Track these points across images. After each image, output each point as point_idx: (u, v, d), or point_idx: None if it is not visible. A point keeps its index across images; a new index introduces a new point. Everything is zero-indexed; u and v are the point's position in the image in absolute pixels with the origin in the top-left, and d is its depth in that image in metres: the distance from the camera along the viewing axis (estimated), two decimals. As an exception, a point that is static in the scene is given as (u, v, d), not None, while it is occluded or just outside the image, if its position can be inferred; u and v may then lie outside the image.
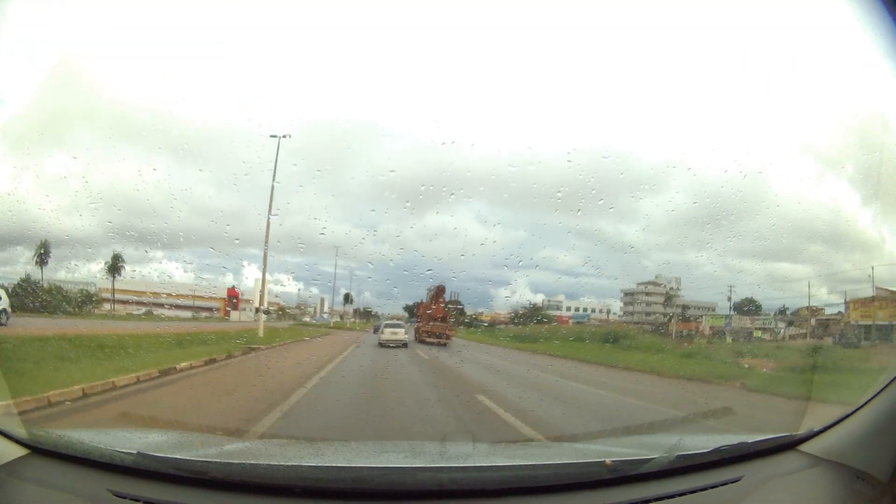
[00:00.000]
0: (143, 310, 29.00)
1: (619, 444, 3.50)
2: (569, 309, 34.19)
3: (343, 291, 35.68)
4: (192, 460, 2.11)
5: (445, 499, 2.00)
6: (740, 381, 11.13)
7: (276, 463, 2.36)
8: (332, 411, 6.94)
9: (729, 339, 25.69)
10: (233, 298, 33.35)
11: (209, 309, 32.78)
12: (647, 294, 35.59)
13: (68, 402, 6.12)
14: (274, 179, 11.84)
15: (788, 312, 27.92)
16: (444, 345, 22.27)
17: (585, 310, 34.97)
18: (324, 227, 10.09)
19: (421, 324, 24.88)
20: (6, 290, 17.66)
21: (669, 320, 31.38)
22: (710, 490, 2.14)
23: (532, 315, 29.20)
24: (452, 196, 9.23)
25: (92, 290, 28.01)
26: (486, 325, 30.46)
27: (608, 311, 35.09)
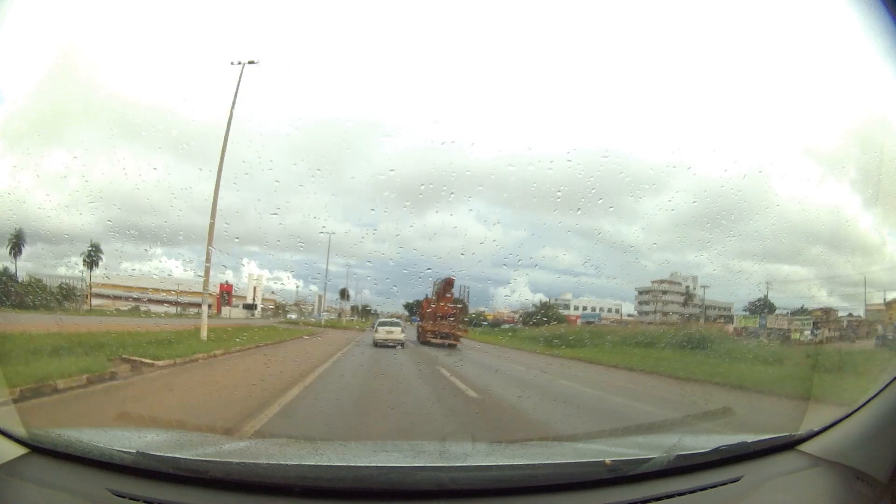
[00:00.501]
0: (129, 306, 28.71)
1: (618, 443, 3.50)
2: (576, 308, 32.84)
3: (347, 293, 34.08)
4: (191, 459, 2.11)
5: (445, 498, 2.00)
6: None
7: (276, 462, 2.37)
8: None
9: (765, 342, 22.97)
10: (226, 294, 32.61)
11: (200, 304, 32.37)
12: (665, 293, 34.13)
13: None
14: (233, 108, 11.53)
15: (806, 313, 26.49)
16: (453, 346, 20.22)
17: (594, 309, 33.67)
18: (323, 226, 10.06)
19: (426, 323, 22.62)
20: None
21: (697, 320, 29.26)
22: (710, 490, 2.14)
23: (544, 314, 27.20)
24: (452, 195, 9.20)
25: (79, 285, 27.44)
26: (486, 324, 29.28)
27: (617, 310, 33.80)
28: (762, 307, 26.79)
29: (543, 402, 8.33)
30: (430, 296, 23.02)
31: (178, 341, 11.98)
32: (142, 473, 1.97)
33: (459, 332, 21.89)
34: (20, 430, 2.17)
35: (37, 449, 2.11)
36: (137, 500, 1.88)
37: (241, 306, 34.96)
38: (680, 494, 2.07)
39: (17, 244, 22.39)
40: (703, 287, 28.32)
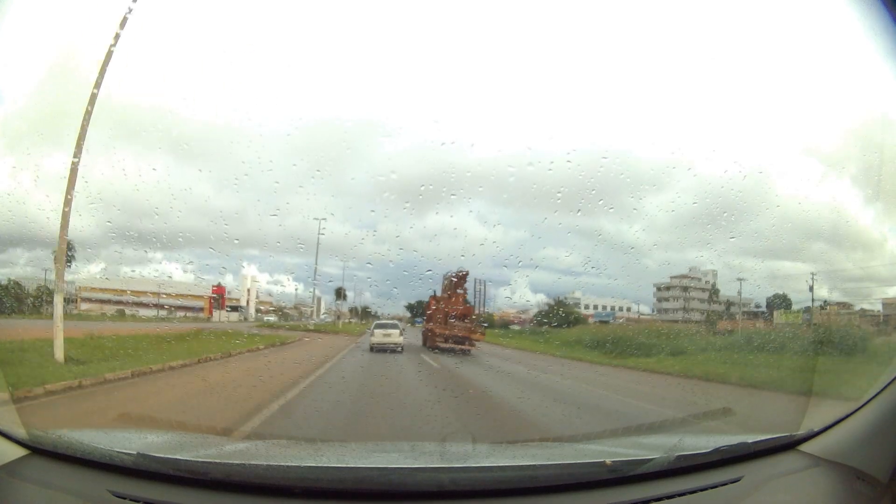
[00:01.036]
0: (115, 309, 28.10)
1: (619, 444, 3.50)
2: (585, 307, 31.20)
3: (344, 292, 31.29)
4: (192, 461, 2.11)
5: (445, 499, 2.00)
6: None
7: (277, 463, 2.37)
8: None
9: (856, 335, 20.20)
10: (218, 297, 31.60)
11: (191, 308, 31.19)
12: (687, 289, 32.36)
13: None
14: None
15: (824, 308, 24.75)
16: (467, 352, 17.59)
17: (605, 308, 31.98)
18: (324, 228, 10.05)
19: (434, 325, 19.34)
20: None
21: (732, 317, 27.11)
22: (710, 490, 2.14)
23: (561, 314, 25.10)
24: (452, 196, 9.19)
25: (71, 288, 27.21)
26: (486, 325, 27.76)
27: (629, 309, 31.96)
28: (780, 303, 25.77)
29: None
30: (438, 292, 20.08)
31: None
32: (142, 475, 1.97)
33: (476, 336, 18.73)
34: (20, 432, 2.17)
35: (37, 450, 2.12)
36: (138, 502, 1.88)
37: (230, 309, 34.06)
38: (680, 495, 2.07)
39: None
40: (740, 279, 24.56)
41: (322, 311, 36.20)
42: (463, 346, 18.04)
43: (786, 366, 11.25)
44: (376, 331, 18.10)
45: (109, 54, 10.67)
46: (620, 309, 32.50)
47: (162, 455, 2.06)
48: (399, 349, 17.46)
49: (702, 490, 2.13)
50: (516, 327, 29.45)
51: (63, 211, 9.92)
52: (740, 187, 10.26)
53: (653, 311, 33.37)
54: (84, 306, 28.08)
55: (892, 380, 2.15)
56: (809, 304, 24.59)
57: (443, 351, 17.69)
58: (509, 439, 5.13)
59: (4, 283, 22.31)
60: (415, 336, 22.83)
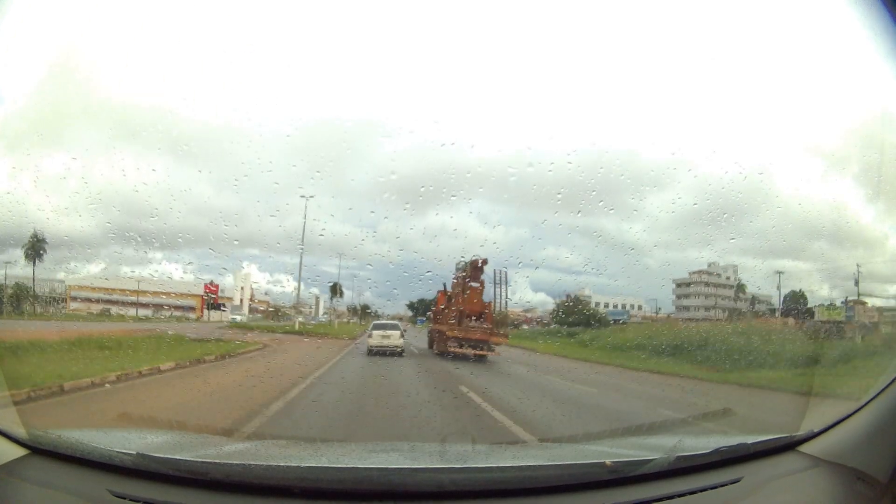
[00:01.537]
0: (100, 309, 27.94)
1: (619, 444, 3.50)
2: (597, 305, 29.36)
3: (340, 289, 29.14)
4: (192, 461, 2.11)
5: (445, 500, 2.00)
6: None
7: (276, 464, 2.37)
8: None
9: (859, 338, 18.63)
10: (211, 295, 30.82)
11: (182, 307, 30.61)
12: (707, 285, 30.68)
13: None
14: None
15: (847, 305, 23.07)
16: (483, 358, 15.03)
17: (615, 306, 30.49)
18: (323, 229, 10.05)
19: (444, 325, 16.56)
20: None
21: (769, 314, 24.83)
22: (710, 491, 2.14)
23: (582, 313, 22.83)
24: (453, 197, 9.18)
25: (59, 287, 26.83)
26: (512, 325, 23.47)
27: (640, 307, 30.34)
28: (798, 300, 24.44)
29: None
30: (449, 286, 17.48)
31: None
32: (142, 475, 1.97)
33: (497, 339, 15.76)
34: (20, 431, 2.17)
35: (37, 450, 2.12)
36: (137, 502, 1.88)
37: (212, 308, 32.84)
38: (680, 495, 2.07)
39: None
40: (779, 273, 22.66)
41: (321, 310, 35.20)
42: (480, 352, 15.21)
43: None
44: (374, 332, 16.43)
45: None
46: (630, 307, 31.15)
47: (162, 455, 2.06)
48: (399, 351, 15.94)
49: (702, 491, 2.13)
50: (525, 327, 27.87)
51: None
52: (740, 187, 10.29)
53: (673, 309, 31.66)
54: (73, 305, 27.93)
55: (892, 380, 2.15)
56: (846, 298, 23.02)
57: (455, 357, 14.93)
58: (509, 440, 5.13)
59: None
60: (417, 337, 21.46)
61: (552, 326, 25.66)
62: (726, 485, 2.17)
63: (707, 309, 30.83)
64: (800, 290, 24.43)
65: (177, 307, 30.43)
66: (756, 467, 2.31)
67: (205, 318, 30.09)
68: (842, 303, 23.43)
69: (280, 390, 8.06)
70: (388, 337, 16.02)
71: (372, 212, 10.25)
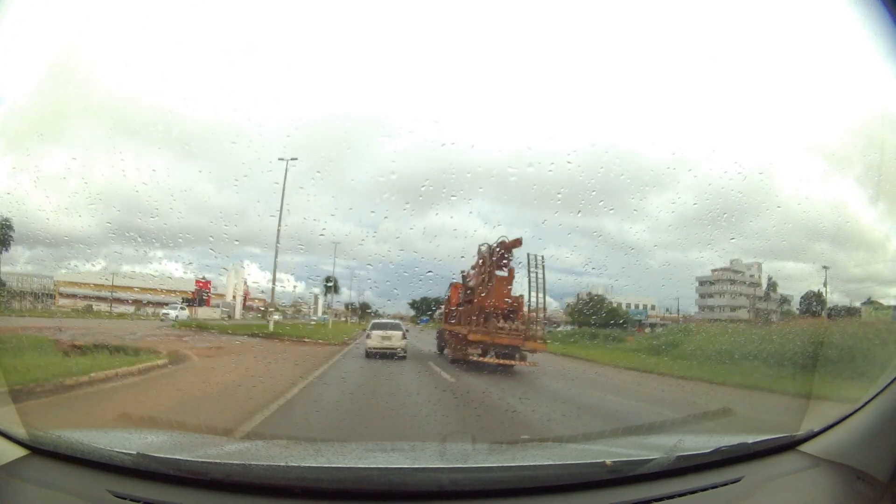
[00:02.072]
0: (83, 305, 27.18)
1: (619, 444, 3.50)
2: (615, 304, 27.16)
3: (335, 283, 27.44)
4: (192, 461, 2.11)
5: (445, 499, 2.00)
6: None
7: (277, 464, 2.37)
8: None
9: None
10: (203, 292, 29.40)
11: (169, 304, 28.75)
12: (732, 283, 28.49)
13: None
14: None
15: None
16: (511, 366, 11.97)
17: (629, 306, 28.40)
18: (323, 228, 10.03)
19: (460, 326, 13.75)
20: None
21: (813, 313, 22.19)
22: (711, 490, 2.14)
23: (608, 315, 20.70)
24: (453, 197, 9.14)
25: (48, 283, 26.22)
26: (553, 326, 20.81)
27: (653, 307, 28.56)
28: (816, 300, 23.05)
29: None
30: (468, 274, 14.45)
31: None
32: (142, 475, 1.97)
33: (533, 345, 12.34)
34: (20, 432, 2.17)
35: (37, 450, 2.12)
36: (138, 502, 1.88)
37: (220, 306, 31.17)
38: (681, 495, 2.07)
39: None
40: (825, 268, 19.98)
41: (320, 309, 34.32)
42: (510, 362, 12.02)
43: None
44: (373, 332, 14.92)
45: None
46: (643, 307, 29.38)
47: (162, 455, 2.06)
48: (401, 353, 14.53)
49: (702, 490, 2.13)
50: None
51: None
52: (741, 187, 10.27)
53: (696, 309, 29.91)
54: (62, 301, 27.42)
55: (892, 380, 2.15)
56: (868, 298, 21.21)
57: (472, 367, 12.02)
58: (509, 440, 5.12)
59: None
60: (418, 337, 19.55)
61: (568, 328, 23.78)
62: (727, 484, 2.17)
63: (733, 309, 28.85)
64: (818, 291, 23.03)
65: (163, 304, 28.68)
66: (756, 467, 2.31)
67: (194, 315, 28.63)
68: (863, 303, 21.87)
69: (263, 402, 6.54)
70: (388, 338, 14.58)
71: (372, 211, 10.24)
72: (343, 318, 34.47)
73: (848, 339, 10.89)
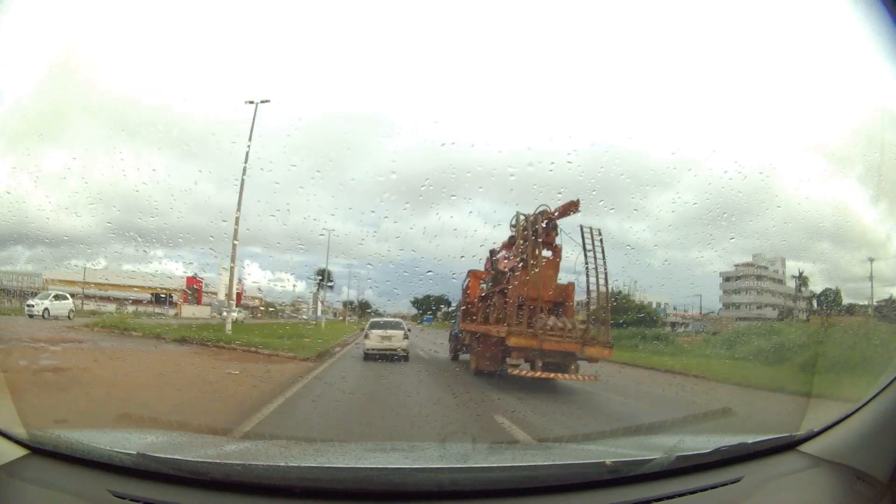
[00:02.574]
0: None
1: (619, 444, 3.50)
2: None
3: (328, 276, 25.13)
4: (192, 461, 2.11)
5: (445, 499, 2.00)
6: None
7: (277, 463, 2.37)
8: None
9: None
10: (193, 289, 28.40)
11: (161, 301, 28.26)
12: (758, 278, 26.98)
13: None
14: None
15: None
16: (564, 375, 9.25)
17: (652, 304, 26.10)
18: (323, 228, 9.99)
19: (487, 325, 10.89)
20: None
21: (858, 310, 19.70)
22: (710, 490, 2.14)
23: (633, 312, 18.98)
24: (453, 196, 9.11)
25: (39, 281, 25.63)
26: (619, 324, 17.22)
27: (666, 304, 26.32)
28: (833, 298, 21.71)
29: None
30: (497, 257, 11.62)
31: None
32: (142, 475, 1.97)
33: (595, 350, 9.24)
34: (20, 431, 2.17)
35: (37, 450, 2.12)
36: (138, 502, 1.88)
37: (213, 304, 28.71)
38: (680, 495, 2.07)
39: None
40: (871, 259, 17.92)
41: (319, 308, 33.34)
42: (565, 376, 9.18)
43: None
44: (372, 332, 13.75)
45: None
46: (662, 305, 27.26)
47: (162, 455, 2.06)
48: (402, 355, 13.37)
49: (702, 490, 2.13)
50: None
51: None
52: (741, 187, 10.26)
53: (720, 306, 28.15)
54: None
55: (893, 380, 2.15)
56: (890, 296, 19.57)
57: (504, 382, 9.36)
58: (509, 440, 5.12)
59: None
60: (424, 338, 17.85)
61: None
62: (726, 484, 2.17)
63: (759, 307, 27.27)
64: (836, 289, 21.95)
65: (146, 302, 27.50)
66: (756, 467, 2.31)
67: (184, 313, 27.94)
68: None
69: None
70: (388, 338, 13.39)
71: (372, 211, 10.21)
72: (340, 318, 33.04)
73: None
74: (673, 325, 26.67)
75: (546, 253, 10.45)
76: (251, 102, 11.46)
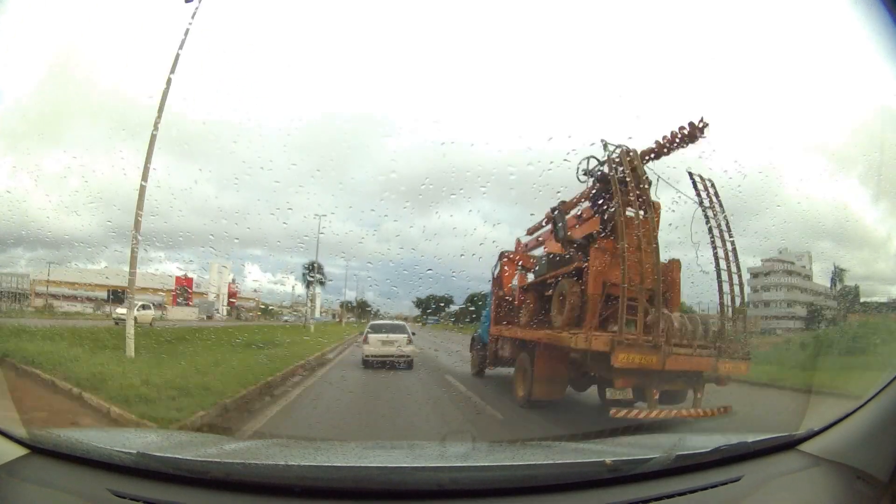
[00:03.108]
0: (42, 304, 25.38)
1: (619, 443, 3.50)
2: None
3: (318, 269, 23.21)
4: (192, 460, 2.12)
5: (445, 499, 2.00)
6: None
7: (277, 462, 2.37)
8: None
9: None
10: (184, 289, 27.30)
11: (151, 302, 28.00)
12: (789, 274, 25.26)
13: None
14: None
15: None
16: (691, 411, 6.00)
17: None
18: (324, 228, 10.00)
19: (536, 326, 8.20)
20: None
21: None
22: (710, 490, 2.14)
23: None
24: (452, 196, 9.09)
25: (25, 282, 25.18)
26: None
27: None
28: (853, 295, 21.23)
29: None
30: (560, 213, 8.07)
31: None
32: (142, 474, 1.97)
33: (731, 367, 6.22)
34: (21, 431, 2.17)
35: (37, 449, 2.12)
36: (138, 501, 1.88)
37: (198, 305, 28.01)
38: (680, 494, 2.07)
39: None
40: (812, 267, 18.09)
41: (318, 309, 31.83)
42: (692, 413, 6.11)
43: None
44: (371, 335, 12.43)
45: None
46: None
47: (162, 454, 2.06)
48: (408, 361, 11.94)
49: (702, 490, 2.13)
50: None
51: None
52: (741, 186, 10.23)
53: (750, 304, 25.71)
54: (38, 301, 26.53)
55: (893, 379, 2.15)
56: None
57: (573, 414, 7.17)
58: (509, 439, 5.13)
59: None
60: (430, 340, 16.50)
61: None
62: (726, 483, 2.17)
63: (789, 304, 25.84)
64: (855, 286, 21.47)
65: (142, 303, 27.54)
66: (756, 466, 2.31)
67: (171, 315, 26.37)
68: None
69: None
70: (390, 342, 12.03)
71: (372, 210, 10.19)
72: (337, 319, 31.82)
73: None
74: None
75: (634, 214, 6.80)
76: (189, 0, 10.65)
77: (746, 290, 7.84)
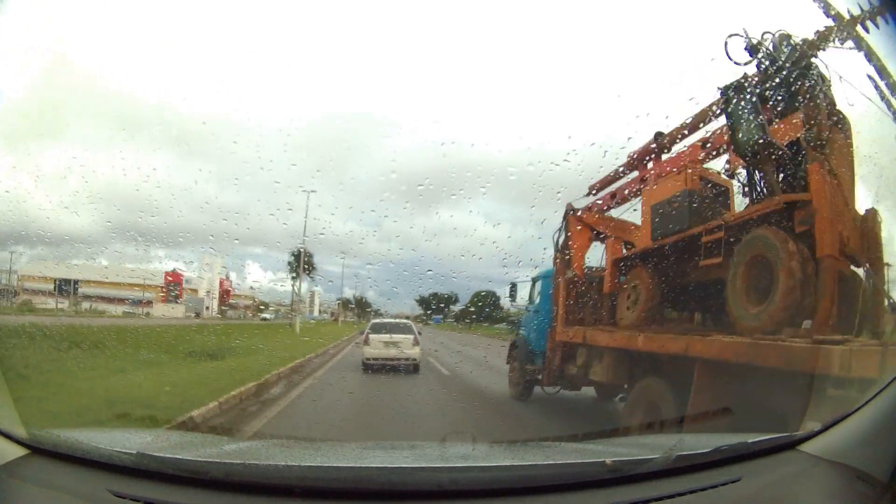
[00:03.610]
0: (22, 300, 25.08)
1: (619, 443, 3.50)
2: None
3: (305, 257, 20.87)
4: (192, 460, 2.12)
5: (445, 499, 2.00)
6: None
7: (277, 463, 2.37)
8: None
9: None
10: (174, 285, 26.47)
11: (138, 300, 26.09)
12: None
13: None
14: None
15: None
16: None
17: None
18: (324, 228, 9.98)
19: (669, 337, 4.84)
20: None
21: None
22: (710, 490, 2.14)
23: None
24: (453, 196, 9.11)
25: (13, 278, 24.92)
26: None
27: None
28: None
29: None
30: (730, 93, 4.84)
31: None
32: (142, 474, 1.98)
33: None
34: (20, 431, 2.17)
35: (37, 450, 2.12)
36: (138, 501, 1.88)
37: (189, 303, 27.17)
38: (680, 494, 2.07)
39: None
40: None
41: (317, 307, 31.30)
42: None
43: None
44: (373, 336, 11.61)
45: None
46: None
47: (162, 454, 2.07)
48: (410, 365, 11.31)
49: (701, 490, 2.13)
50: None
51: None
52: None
53: None
54: (26, 296, 26.20)
55: (893, 379, 2.15)
56: None
57: None
58: (509, 439, 5.13)
59: None
60: (437, 341, 16.13)
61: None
62: (726, 484, 2.17)
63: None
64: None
65: (120, 300, 26.14)
66: (756, 466, 2.31)
67: (157, 312, 25.79)
68: None
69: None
70: (394, 343, 11.29)
71: (372, 210, 10.20)
72: (333, 317, 30.31)
73: None
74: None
75: (841, 135, 4.69)
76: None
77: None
